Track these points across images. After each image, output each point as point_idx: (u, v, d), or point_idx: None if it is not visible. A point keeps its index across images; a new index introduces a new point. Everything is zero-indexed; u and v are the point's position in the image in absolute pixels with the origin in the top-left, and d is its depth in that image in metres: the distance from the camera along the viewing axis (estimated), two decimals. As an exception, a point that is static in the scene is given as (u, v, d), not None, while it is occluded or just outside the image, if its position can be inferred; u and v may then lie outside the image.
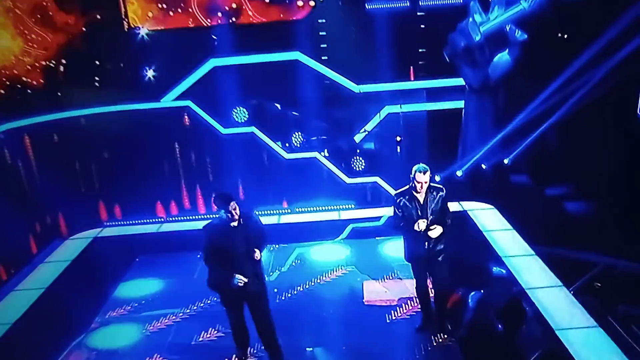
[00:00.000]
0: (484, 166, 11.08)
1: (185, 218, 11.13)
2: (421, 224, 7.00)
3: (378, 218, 10.81)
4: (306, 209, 11.13)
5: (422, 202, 7.07)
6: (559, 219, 9.74)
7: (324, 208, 11.14)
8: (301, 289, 8.82)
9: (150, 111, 11.03)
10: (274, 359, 7.02)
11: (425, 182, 6.99)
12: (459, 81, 11.16)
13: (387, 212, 10.56)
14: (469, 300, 7.97)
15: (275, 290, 8.59)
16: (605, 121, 9.42)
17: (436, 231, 7.06)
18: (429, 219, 7.07)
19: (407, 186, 7.16)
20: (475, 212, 10.54)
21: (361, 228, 10.66)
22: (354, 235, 10.50)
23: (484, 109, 11.14)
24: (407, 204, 7.10)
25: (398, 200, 7.15)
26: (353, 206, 11.15)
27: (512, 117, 10.59)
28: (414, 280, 7.58)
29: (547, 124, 10.36)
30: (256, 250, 6.59)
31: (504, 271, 8.52)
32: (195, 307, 8.43)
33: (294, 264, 9.65)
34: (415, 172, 7.00)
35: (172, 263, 9.68)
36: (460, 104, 11.31)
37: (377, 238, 10.34)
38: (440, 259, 7.27)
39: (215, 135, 11.14)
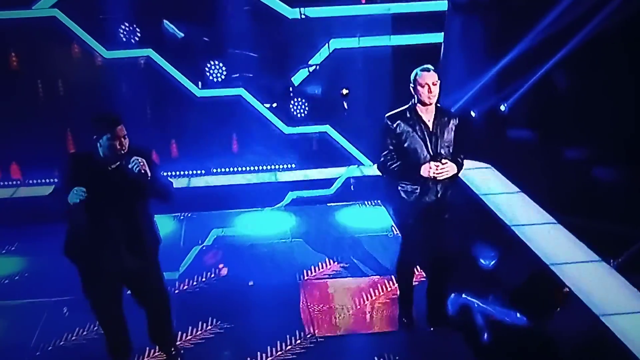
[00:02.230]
0: (473, 114, 10.54)
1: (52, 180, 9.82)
2: (433, 168, 6.13)
3: (329, 182, 10.25)
4: (227, 169, 10.46)
5: (430, 127, 6.20)
6: (582, 185, 9.20)
7: (253, 168, 10.53)
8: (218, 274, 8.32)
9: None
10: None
11: (435, 85, 6.12)
12: (437, 5, 10.45)
13: (341, 173, 10.30)
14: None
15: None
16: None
17: (448, 169, 6.15)
18: (441, 152, 6.22)
19: (405, 107, 6.33)
20: (466, 172, 9.92)
21: (305, 197, 10.29)
22: (297, 203, 10.21)
23: (472, 34, 10.62)
24: (409, 129, 6.20)
25: (394, 125, 6.24)
26: (294, 165, 10.53)
27: (511, 47, 10.03)
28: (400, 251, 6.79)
29: (559, 56, 9.63)
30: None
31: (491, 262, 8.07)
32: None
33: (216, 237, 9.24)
34: (417, 73, 6.17)
35: (36, 236, 9.06)
36: (438, 37, 10.63)
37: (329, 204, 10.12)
38: (447, 215, 6.46)
39: (94, 61, 10.10)
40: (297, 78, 10.70)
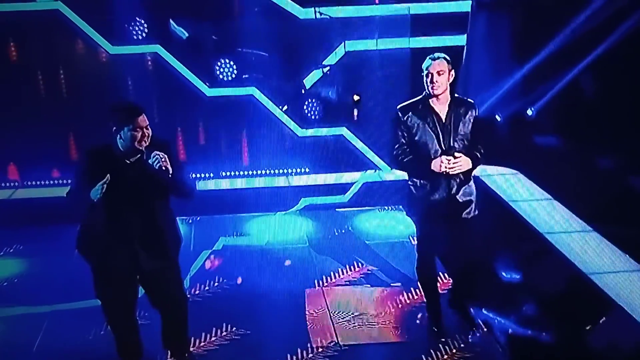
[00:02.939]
0: (498, 117, 10.37)
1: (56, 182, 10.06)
2: (444, 163, 5.91)
3: (345, 188, 10.03)
4: (237, 173, 10.22)
5: (443, 119, 5.95)
6: (616, 191, 8.93)
7: (264, 172, 10.29)
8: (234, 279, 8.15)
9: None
10: None
11: (442, 74, 5.86)
12: (460, 5, 10.26)
13: (357, 178, 10.09)
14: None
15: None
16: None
17: (461, 163, 5.91)
18: (454, 146, 5.98)
19: (418, 98, 6.11)
20: (493, 178, 10.00)
21: (319, 204, 10.13)
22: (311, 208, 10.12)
23: (497, 36, 10.39)
24: (419, 121, 5.98)
25: (405, 117, 6.03)
26: (308, 170, 10.28)
27: (539, 49, 9.83)
28: (416, 252, 6.56)
29: (590, 58, 9.40)
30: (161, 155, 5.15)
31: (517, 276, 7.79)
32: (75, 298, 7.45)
33: (227, 240, 9.17)
34: (425, 61, 5.96)
35: (34, 238, 9.11)
36: (459, 40, 10.42)
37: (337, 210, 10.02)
38: (467, 214, 6.18)
39: (98, 57, 9.85)
40: (311, 79, 10.45)
